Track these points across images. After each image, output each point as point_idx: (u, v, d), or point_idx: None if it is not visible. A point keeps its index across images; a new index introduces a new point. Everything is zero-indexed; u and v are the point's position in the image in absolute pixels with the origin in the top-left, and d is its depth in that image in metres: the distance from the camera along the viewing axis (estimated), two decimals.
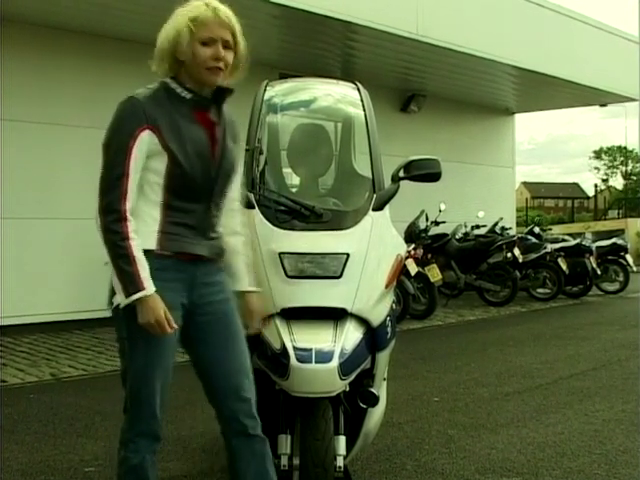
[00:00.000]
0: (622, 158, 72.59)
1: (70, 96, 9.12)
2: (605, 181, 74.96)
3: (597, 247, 13.17)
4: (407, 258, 9.32)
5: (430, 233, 11.03)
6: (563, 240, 13.64)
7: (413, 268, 9.68)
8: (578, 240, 13.30)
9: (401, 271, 3.83)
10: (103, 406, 5.40)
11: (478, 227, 12.47)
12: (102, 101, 9.38)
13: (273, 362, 2.96)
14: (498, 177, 15.81)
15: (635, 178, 67.36)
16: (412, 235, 10.45)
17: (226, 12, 2.43)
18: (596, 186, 49.61)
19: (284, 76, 9.51)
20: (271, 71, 10.43)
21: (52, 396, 5.74)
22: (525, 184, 74.99)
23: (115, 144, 2.40)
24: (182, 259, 2.46)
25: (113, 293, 2.53)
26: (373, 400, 3.16)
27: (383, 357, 3.26)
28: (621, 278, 13.51)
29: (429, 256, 10.60)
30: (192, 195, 2.46)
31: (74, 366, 6.84)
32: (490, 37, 11.42)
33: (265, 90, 3.59)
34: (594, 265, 12.69)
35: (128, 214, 2.37)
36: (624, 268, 13.52)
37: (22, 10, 8.29)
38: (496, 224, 12.79)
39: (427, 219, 10.88)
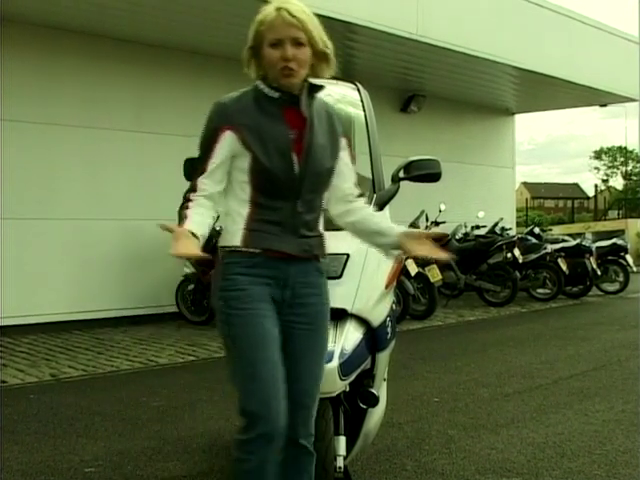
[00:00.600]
0: (622, 158, 72.61)
1: (70, 96, 9.13)
2: (605, 181, 75.00)
3: (597, 247, 13.17)
4: (407, 258, 9.30)
5: None
6: (563, 240, 13.64)
7: (413, 268, 9.67)
8: (578, 240, 13.30)
9: (401, 271, 3.83)
10: (103, 407, 5.40)
11: (478, 227, 12.48)
12: (102, 101, 9.42)
13: None
14: (498, 177, 15.81)
15: (635, 178, 67.37)
16: None
17: (293, 11, 2.44)
18: (596, 186, 49.74)
19: None
20: None
21: (52, 396, 5.74)
22: (525, 184, 75.02)
23: (202, 145, 2.51)
24: (272, 256, 2.46)
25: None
26: (373, 400, 3.16)
27: (383, 357, 3.26)
28: (621, 278, 13.51)
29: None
30: (277, 192, 2.45)
31: (74, 366, 6.84)
32: (490, 37, 11.42)
33: None
34: (594, 265, 12.68)
35: (192, 197, 2.43)
36: (624, 268, 13.52)
37: (22, 10, 8.29)
38: (496, 224, 12.79)
39: (427, 219, 10.88)
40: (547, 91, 14.34)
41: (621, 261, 13.51)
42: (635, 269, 14.27)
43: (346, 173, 2.65)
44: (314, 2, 9.60)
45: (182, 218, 2.39)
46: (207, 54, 10.20)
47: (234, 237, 2.46)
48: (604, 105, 17.97)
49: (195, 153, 3.53)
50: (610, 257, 13.45)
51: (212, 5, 8.29)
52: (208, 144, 2.47)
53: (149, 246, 9.40)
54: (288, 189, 2.46)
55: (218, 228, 9.98)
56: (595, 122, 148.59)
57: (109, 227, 9.34)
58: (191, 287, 9.42)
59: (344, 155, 2.64)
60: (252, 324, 2.42)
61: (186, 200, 2.44)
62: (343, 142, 2.64)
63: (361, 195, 2.71)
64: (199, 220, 2.38)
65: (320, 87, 2.55)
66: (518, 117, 16.62)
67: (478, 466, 4.03)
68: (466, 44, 10.86)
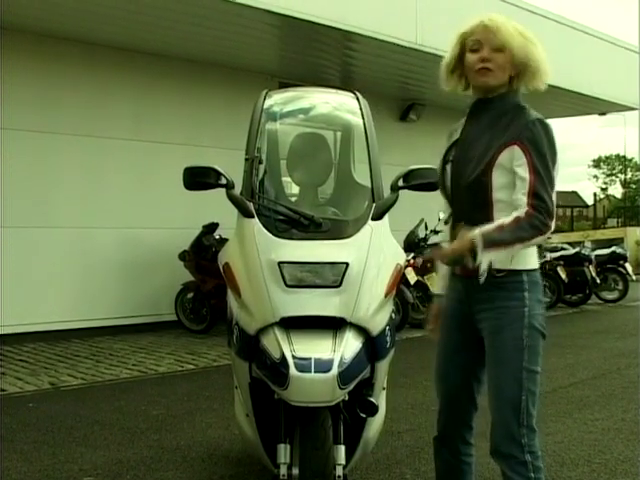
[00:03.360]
0: (621, 166, 72.66)
1: (69, 105, 9.14)
2: (604, 190, 75.03)
3: (596, 256, 13.19)
4: (406, 267, 9.31)
5: (429, 242, 11.02)
6: (562, 249, 13.64)
7: (412, 277, 9.67)
8: (577, 249, 13.31)
9: (400, 280, 3.83)
10: (102, 415, 5.40)
11: None
12: (101, 110, 9.44)
13: (272, 371, 2.96)
14: None
15: (634, 186, 67.42)
16: (411, 244, 10.44)
17: (494, 18, 2.59)
18: (595, 195, 49.65)
19: (284, 85, 9.52)
20: (271, 80, 10.45)
21: (51, 405, 5.74)
22: None
23: None
24: (456, 274, 2.71)
25: None
26: (372, 409, 3.16)
27: (382, 366, 3.26)
28: (620, 287, 13.53)
29: (428, 265, 10.60)
30: (450, 206, 2.72)
31: (73, 375, 6.83)
32: None
33: (264, 99, 3.59)
34: (593, 274, 12.69)
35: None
36: (623, 277, 13.54)
37: (22, 19, 8.32)
38: None
39: (426, 228, 10.87)
40: (547, 100, 14.30)
41: (620, 269, 13.53)
42: (634, 277, 14.28)
43: (513, 185, 2.53)
44: (314, 11, 9.63)
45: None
46: (206, 63, 10.21)
47: None
48: (603, 113, 18.00)
49: (193, 162, 3.52)
50: (609, 265, 13.47)
51: (211, 15, 8.31)
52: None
53: (148, 254, 9.39)
54: (448, 201, 2.70)
55: (218, 237, 10.03)
56: (593, 130, 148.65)
57: (108, 235, 9.34)
58: (190, 296, 9.40)
59: (507, 165, 2.55)
60: (441, 335, 2.96)
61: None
62: (509, 151, 2.56)
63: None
64: None
65: (500, 95, 2.82)
66: None
67: (477, 475, 4.01)
68: None
